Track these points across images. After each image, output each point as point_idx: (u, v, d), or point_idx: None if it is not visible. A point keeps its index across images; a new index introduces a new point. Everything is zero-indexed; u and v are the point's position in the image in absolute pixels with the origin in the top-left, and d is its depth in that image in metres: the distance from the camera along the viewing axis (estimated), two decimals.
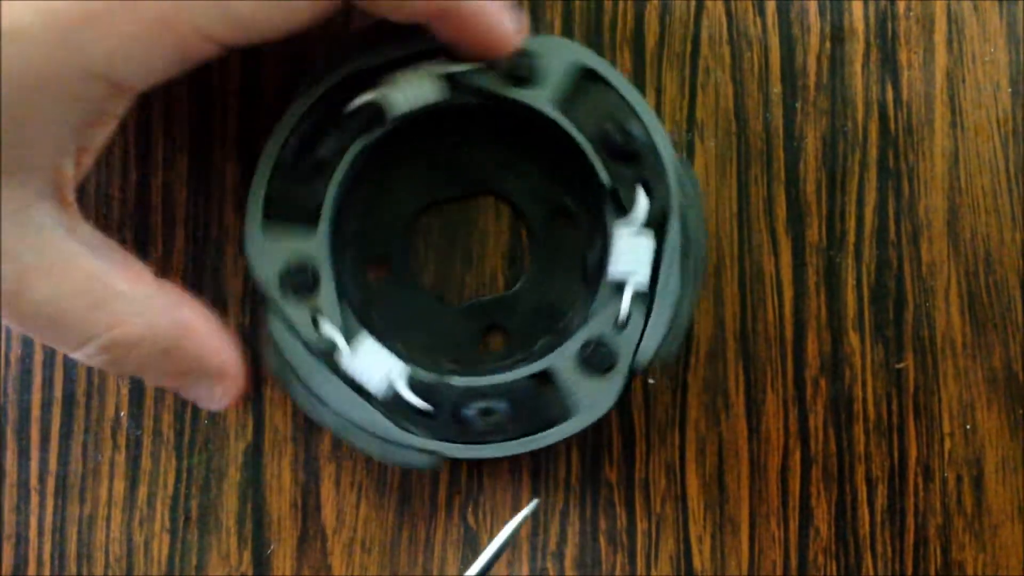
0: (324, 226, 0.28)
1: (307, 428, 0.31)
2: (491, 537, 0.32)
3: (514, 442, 0.28)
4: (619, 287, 0.29)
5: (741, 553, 0.33)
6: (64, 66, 0.22)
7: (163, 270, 0.32)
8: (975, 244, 0.36)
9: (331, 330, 0.27)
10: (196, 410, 0.31)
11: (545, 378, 0.28)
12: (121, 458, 0.31)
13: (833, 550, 0.33)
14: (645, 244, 0.29)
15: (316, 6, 0.24)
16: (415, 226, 0.33)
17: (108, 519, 0.31)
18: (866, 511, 0.34)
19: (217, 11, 0.23)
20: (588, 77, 0.29)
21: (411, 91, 0.27)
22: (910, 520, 0.34)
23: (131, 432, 0.31)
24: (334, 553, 0.31)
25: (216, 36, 0.23)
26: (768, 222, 0.35)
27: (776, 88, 0.36)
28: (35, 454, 0.31)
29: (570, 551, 0.32)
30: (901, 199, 0.36)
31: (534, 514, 0.32)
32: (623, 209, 0.29)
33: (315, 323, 0.27)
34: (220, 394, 0.27)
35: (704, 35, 0.36)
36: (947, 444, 0.34)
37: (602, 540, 0.32)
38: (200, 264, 0.32)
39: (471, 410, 0.28)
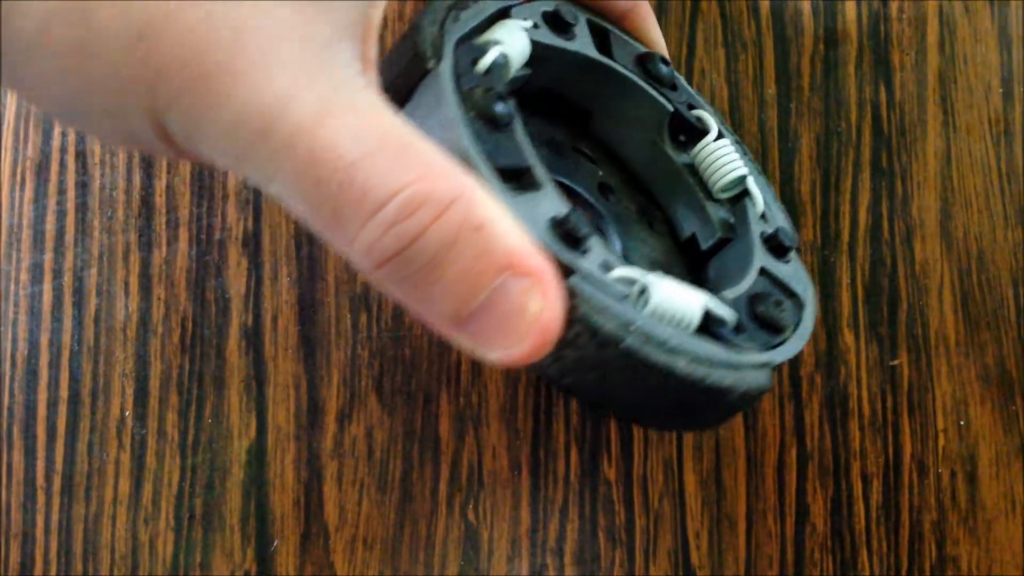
0: (543, 172, 0.24)
1: (309, 426, 0.32)
2: (492, 533, 0.32)
3: (804, 327, 0.28)
4: (727, 200, 0.30)
5: (738, 549, 0.33)
6: None
7: (168, 270, 0.32)
8: (967, 243, 0.36)
9: (635, 272, 0.23)
10: (200, 409, 0.32)
11: (763, 275, 0.29)
12: (126, 457, 0.31)
13: (829, 545, 0.34)
14: (730, 145, 0.30)
15: None
16: None
17: (113, 517, 0.31)
18: (862, 507, 0.34)
19: None
20: (599, 33, 0.31)
21: (518, 43, 0.27)
22: (905, 516, 0.34)
23: (136, 432, 0.32)
24: (336, 550, 0.32)
25: None
26: None
27: (771, 90, 0.36)
28: (41, 453, 0.31)
29: (569, 547, 0.32)
30: (894, 199, 0.36)
31: (533, 511, 0.32)
32: (683, 132, 0.31)
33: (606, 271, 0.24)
34: (537, 309, 0.20)
35: (699, 38, 0.36)
36: (941, 440, 0.35)
37: (601, 536, 0.33)
38: (204, 265, 0.33)
39: (766, 306, 0.27)
